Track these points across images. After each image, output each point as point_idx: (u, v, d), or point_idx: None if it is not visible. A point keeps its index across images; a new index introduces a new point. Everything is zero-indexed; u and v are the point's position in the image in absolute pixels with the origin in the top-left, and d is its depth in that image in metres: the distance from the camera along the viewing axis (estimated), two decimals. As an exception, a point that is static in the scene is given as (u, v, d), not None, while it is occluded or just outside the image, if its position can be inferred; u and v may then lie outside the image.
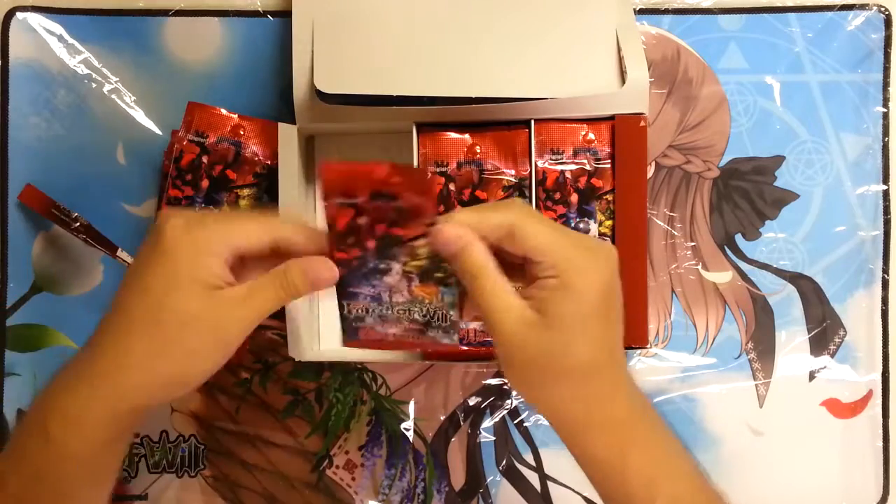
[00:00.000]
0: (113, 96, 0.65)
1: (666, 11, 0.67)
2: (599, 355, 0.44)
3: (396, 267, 0.48)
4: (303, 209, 0.63)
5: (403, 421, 0.66)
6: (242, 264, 0.46)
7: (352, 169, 0.45)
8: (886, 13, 0.67)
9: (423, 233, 0.45)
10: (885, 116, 0.67)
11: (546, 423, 0.66)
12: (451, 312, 0.47)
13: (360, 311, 0.49)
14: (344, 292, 0.48)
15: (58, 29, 0.65)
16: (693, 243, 0.67)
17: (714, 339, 0.67)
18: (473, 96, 0.57)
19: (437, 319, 0.48)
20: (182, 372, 0.44)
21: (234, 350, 0.45)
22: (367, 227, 0.46)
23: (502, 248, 0.44)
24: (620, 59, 0.59)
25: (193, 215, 0.45)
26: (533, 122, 0.60)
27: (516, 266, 0.45)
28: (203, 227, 0.44)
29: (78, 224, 0.63)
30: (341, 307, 0.48)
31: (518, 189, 0.60)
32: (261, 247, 0.45)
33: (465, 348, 0.60)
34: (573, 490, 0.67)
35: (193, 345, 0.44)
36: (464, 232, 0.43)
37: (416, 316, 0.48)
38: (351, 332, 0.50)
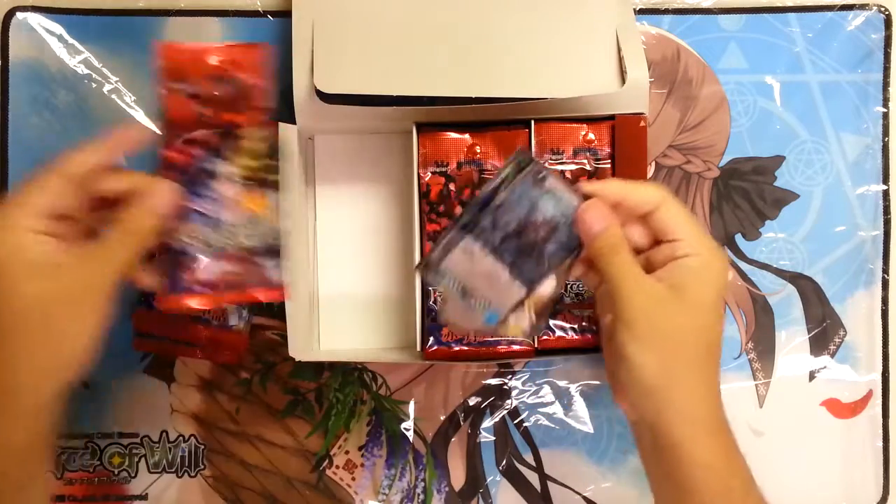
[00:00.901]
0: (113, 96, 0.65)
1: (666, 11, 0.67)
2: (716, 343, 0.46)
3: (229, 170, 0.46)
4: (303, 209, 0.63)
5: (403, 421, 0.66)
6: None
7: (187, 48, 0.42)
8: (886, 13, 0.67)
9: (259, 122, 0.44)
10: (885, 116, 0.67)
11: (546, 423, 0.66)
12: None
13: (190, 241, 0.46)
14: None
15: (58, 29, 0.65)
16: (693, 243, 0.67)
17: (714, 339, 0.67)
18: (473, 96, 0.57)
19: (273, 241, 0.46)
20: (59, 355, 0.44)
21: (107, 310, 0.44)
22: (207, 117, 0.43)
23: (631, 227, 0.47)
24: (620, 59, 0.59)
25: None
26: (533, 122, 0.60)
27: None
28: (4, 205, 0.44)
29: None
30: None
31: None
32: (66, 196, 0.44)
33: (464, 348, 0.60)
34: (573, 490, 0.67)
35: (60, 325, 0.43)
36: (603, 214, 0.46)
37: (244, 241, 0.46)
38: (147, 294, 0.48)
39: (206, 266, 0.45)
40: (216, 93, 0.43)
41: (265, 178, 0.46)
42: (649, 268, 0.47)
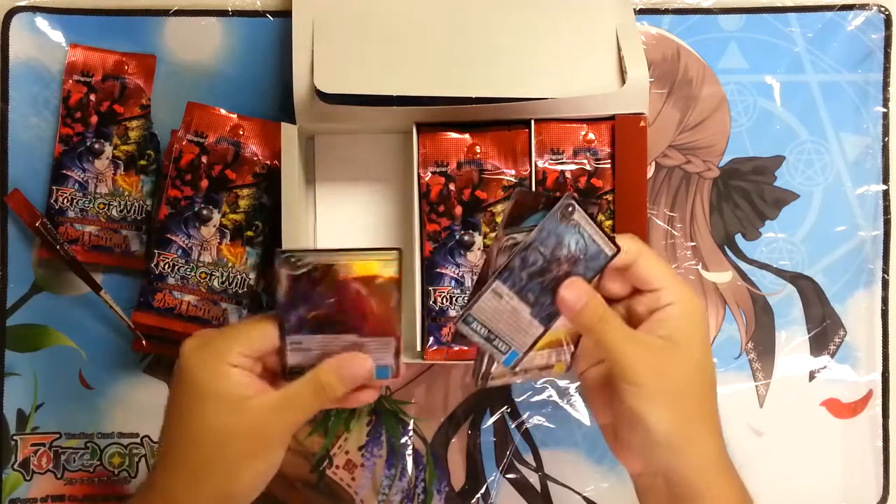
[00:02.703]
0: (113, 96, 0.65)
1: (666, 11, 0.67)
2: (713, 378, 0.48)
3: (216, 217, 0.48)
4: (303, 209, 0.63)
5: (403, 421, 0.66)
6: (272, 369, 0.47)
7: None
8: (886, 13, 0.67)
9: (253, 181, 0.46)
10: (885, 116, 0.67)
11: (546, 423, 0.66)
12: (251, 277, 0.48)
13: (166, 265, 0.48)
14: (160, 238, 0.48)
15: (58, 29, 0.65)
16: (693, 243, 0.67)
17: (714, 339, 0.67)
18: (473, 96, 0.57)
19: (234, 286, 0.48)
20: (226, 490, 0.45)
21: (279, 457, 0.46)
22: (206, 166, 0.46)
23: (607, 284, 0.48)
24: (620, 59, 0.59)
25: (206, 332, 0.47)
26: (533, 122, 0.60)
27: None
28: (213, 341, 0.46)
29: (64, 253, 0.63)
30: (150, 257, 0.48)
31: (518, 189, 0.60)
32: (274, 344, 0.46)
33: (464, 348, 0.60)
34: (573, 490, 0.67)
35: (232, 459, 0.44)
36: (582, 290, 0.45)
37: (215, 283, 0.48)
38: (147, 294, 0.49)
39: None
40: (224, 148, 0.47)
41: (243, 231, 0.49)
42: (632, 320, 0.48)
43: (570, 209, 0.44)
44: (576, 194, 0.46)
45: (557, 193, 0.47)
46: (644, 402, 0.45)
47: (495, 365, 0.48)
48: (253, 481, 0.46)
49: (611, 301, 0.48)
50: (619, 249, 0.46)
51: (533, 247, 0.44)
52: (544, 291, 0.45)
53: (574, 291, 0.45)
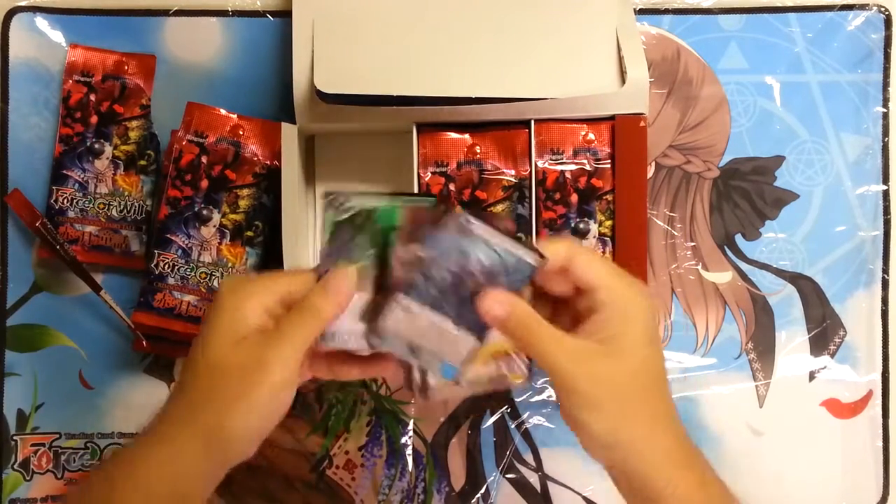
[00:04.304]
0: (113, 96, 0.65)
1: (666, 11, 0.67)
2: (660, 375, 0.46)
3: (216, 217, 0.47)
4: (303, 209, 0.63)
5: (403, 421, 0.66)
6: None
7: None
8: (886, 13, 0.67)
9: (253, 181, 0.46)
10: (885, 116, 0.67)
11: (546, 423, 0.66)
12: None
13: (166, 265, 0.49)
14: (160, 238, 0.47)
15: (58, 29, 0.65)
16: (693, 243, 0.67)
17: (714, 339, 0.67)
18: (473, 96, 0.57)
19: None
20: (218, 425, 0.43)
21: (276, 403, 0.44)
22: (206, 166, 0.45)
23: (544, 287, 0.47)
24: (620, 59, 0.59)
25: (245, 275, 0.46)
26: (533, 122, 0.60)
27: (552, 306, 0.48)
28: (248, 279, 0.46)
29: (64, 253, 0.63)
30: (150, 257, 0.48)
31: (518, 189, 0.60)
32: (300, 293, 0.45)
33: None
34: (573, 490, 0.67)
35: (227, 393, 0.43)
36: (502, 300, 0.45)
37: (215, 283, 0.48)
38: (147, 294, 0.49)
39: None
40: (224, 149, 0.47)
41: (244, 231, 0.49)
42: (576, 320, 0.46)
43: (466, 222, 0.44)
44: (462, 210, 0.45)
45: (456, 205, 0.47)
46: (581, 409, 0.44)
47: (431, 377, 0.47)
48: (246, 422, 0.43)
49: (557, 302, 0.47)
50: (544, 258, 0.44)
51: (436, 264, 0.44)
52: (465, 303, 0.44)
53: (492, 302, 0.44)
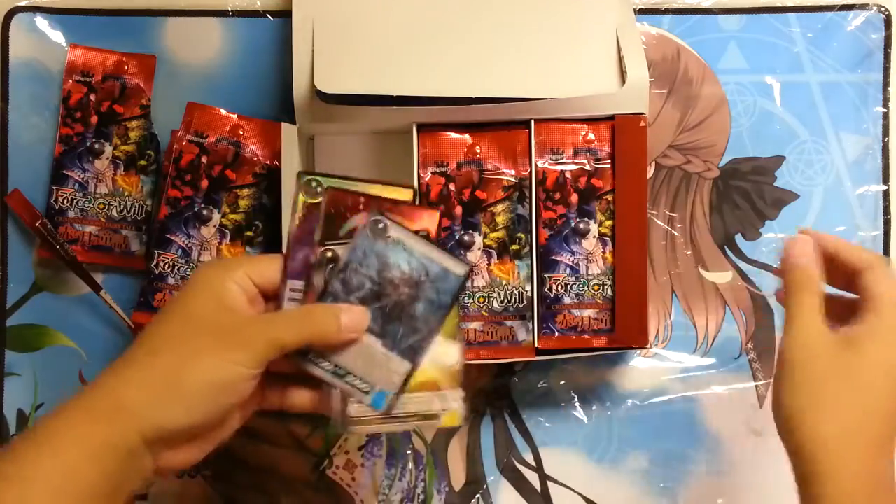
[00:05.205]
0: (113, 96, 0.65)
1: (666, 11, 0.67)
2: (888, 407, 0.44)
3: (216, 217, 0.50)
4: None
5: (403, 421, 0.66)
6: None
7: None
8: (886, 13, 0.67)
9: (253, 181, 0.46)
10: (885, 116, 0.67)
11: (547, 423, 0.66)
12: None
13: (166, 265, 0.49)
14: (160, 238, 0.47)
15: (58, 29, 0.65)
16: (693, 243, 0.67)
17: (714, 339, 0.67)
18: (473, 96, 0.57)
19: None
20: (175, 377, 0.41)
21: (242, 379, 0.41)
22: (206, 166, 0.46)
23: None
24: (620, 59, 0.59)
25: (221, 259, 0.45)
26: (533, 122, 0.60)
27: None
28: (225, 262, 0.46)
29: (64, 253, 0.63)
30: (150, 257, 0.50)
31: (518, 189, 0.60)
32: (274, 281, 0.44)
33: (464, 349, 0.60)
34: (573, 490, 0.67)
35: (193, 345, 0.41)
36: (812, 252, 0.47)
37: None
38: (147, 294, 0.52)
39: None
40: (224, 148, 0.47)
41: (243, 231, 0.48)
42: (836, 320, 0.47)
43: (381, 225, 0.41)
44: (381, 212, 0.41)
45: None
46: (788, 366, 0.45)
47: (351, 405, 0.43)
48: (206, 379, 0.41)
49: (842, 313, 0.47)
50: (470, 269, 0.42)
51: (351, 268, 0.41)
52: (390, 319, 0.41)
53: (802, 247, 0.46)
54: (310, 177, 0.43)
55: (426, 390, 0.44)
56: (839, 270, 0.48)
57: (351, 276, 0.41)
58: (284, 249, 0.44)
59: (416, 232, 0.42)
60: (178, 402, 0.41)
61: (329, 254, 0.42)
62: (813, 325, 0.45)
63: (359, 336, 0.43)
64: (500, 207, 0.60)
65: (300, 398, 0.47)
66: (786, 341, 0.46)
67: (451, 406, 0.45)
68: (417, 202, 0.43)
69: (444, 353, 0.44)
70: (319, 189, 0.43)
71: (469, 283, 0.50)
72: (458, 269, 0.42)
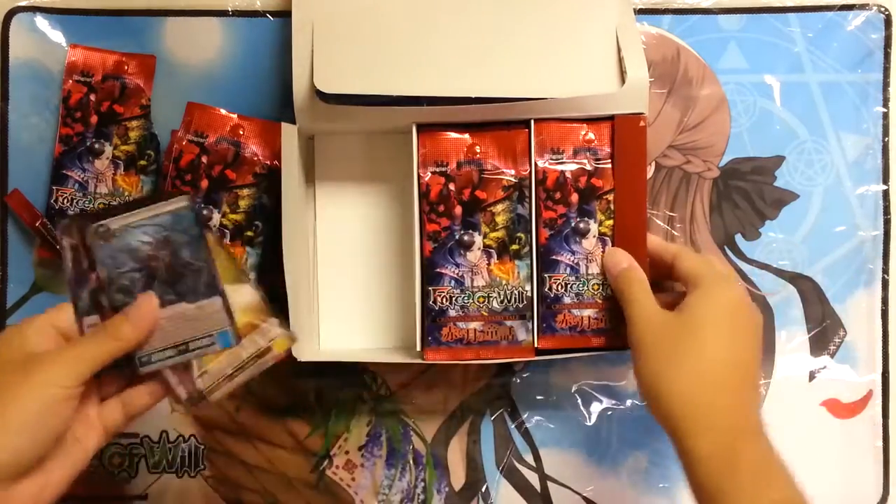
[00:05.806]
0: (113, 96, 0.65)
1: (666, 11, 0.67)
2: (725, 355, 0.51)
3: (216, 217, 0.53)
4: (303, 209, 0.63)
5: (403, 421, 0.66)
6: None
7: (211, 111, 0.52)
8: (886, 13, 0.67)
9: (253, 181, 0.50)
10: (885, 116, 0.67)
11: (547, 423, 0.66)
12: (251, 277, 0.51)
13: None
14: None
15: (58, 29, 0.65)
16: (693, 243, 0.67)
17: (714, 339, 0.67)
18: (473, 96, 0.57)
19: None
20: None
21: (57, 405, 0.45)
22: (206, 166, 0.49)
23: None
24: (620, 59, 0.59)
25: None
26: (533, 122, 0.60)
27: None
28: (26, 318, 0.48)
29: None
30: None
31: (518, 189, 0.60)
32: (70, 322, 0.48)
33: (464, 349, 0.60)
34: (573, 490, 0.67)
35: (8, 379, 0.44)
36: (629, 256, 0.57)
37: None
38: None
39: None
40: (224, 148, 0.51)
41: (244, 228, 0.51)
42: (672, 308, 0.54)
43: (102, 229, 0.46)
44: (86, 220, 0.47)
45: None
46: (636, 343, 0.53)
47: (197, 377, 0.48)
48: (26, 406, 0.43)
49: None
50: (188, 195, 0.47)
51: (113, 277, 0.46)
52: (172, 281, 0.46)
53: (615, 256, 0.58)
54: (64, 222, 0.48)
55: (247, 333, 0.49)
56: (658, 266, 0.57)
57: (120, 282, 0.46)
58: (70, 295, 0.48)
59: (123, 204, 0.48)
60: (3, 436, 0.43)
61: (94, 277, 0.47)
62: (648, 306, 0.53)
63: (155, 316, 0.47)
64: (499, 207, 0.60)
65: (139, 398, 0.50)
66: (629, 328, 0.53)
67: (275, 334, 0.50)
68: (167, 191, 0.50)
69: (240, 296, 0.49)
70: (73, 229, 0.47)
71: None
72: (180, 203, 0.47)
